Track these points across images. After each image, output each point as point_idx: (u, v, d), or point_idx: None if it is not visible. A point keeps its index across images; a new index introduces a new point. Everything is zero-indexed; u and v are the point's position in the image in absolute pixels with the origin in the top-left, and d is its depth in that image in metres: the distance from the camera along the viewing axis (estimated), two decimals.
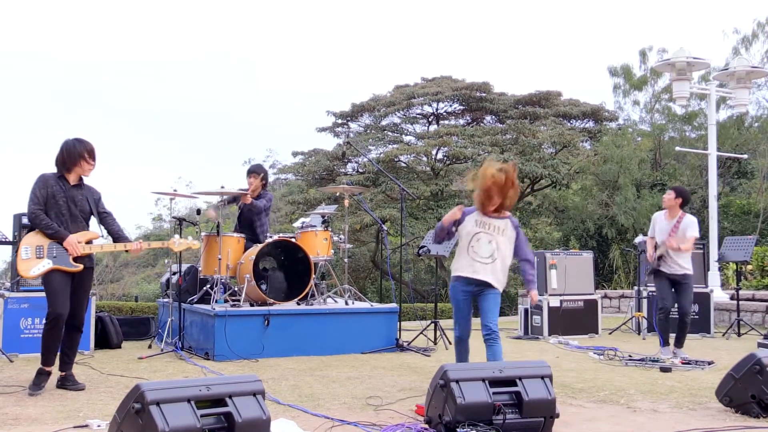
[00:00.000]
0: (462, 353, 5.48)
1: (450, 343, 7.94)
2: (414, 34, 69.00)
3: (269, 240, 7.70)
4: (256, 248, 7.58)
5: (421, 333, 8.30)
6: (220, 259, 7.51)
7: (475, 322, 5.39)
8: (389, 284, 10.37)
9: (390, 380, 5.95)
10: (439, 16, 68.47)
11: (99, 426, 4.23)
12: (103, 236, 5.72)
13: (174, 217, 7.99)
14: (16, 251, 5.54)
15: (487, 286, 5.26)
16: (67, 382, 5.47)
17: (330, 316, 7.65)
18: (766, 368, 4.65)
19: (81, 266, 5.44)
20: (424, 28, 69.85)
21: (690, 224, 7.22)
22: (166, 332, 7.80)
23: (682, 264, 7.24)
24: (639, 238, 9.72)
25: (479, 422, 3.97)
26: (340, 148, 20.71)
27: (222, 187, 7.70)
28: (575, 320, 9.37)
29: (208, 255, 7.79)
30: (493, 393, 4.07)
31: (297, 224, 8.55)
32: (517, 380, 4.16)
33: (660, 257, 7.29)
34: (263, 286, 7.48)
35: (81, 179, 5.58)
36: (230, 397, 3.61)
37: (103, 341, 7.81)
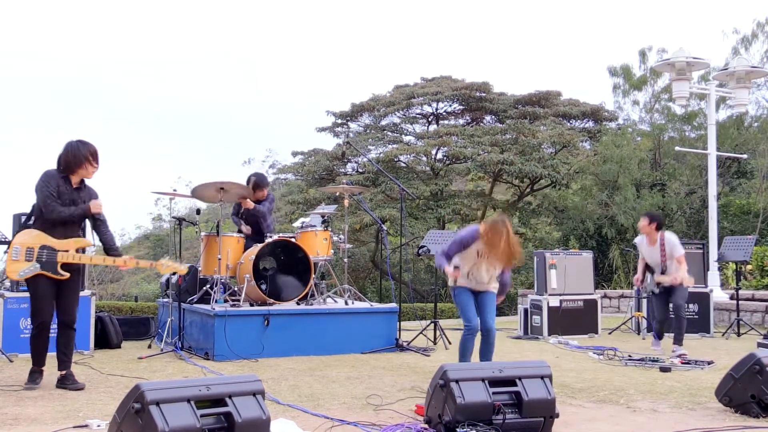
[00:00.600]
0: (468, 348, 5.72)
1: (450, 343, 7.94)
2: (414, 34, 69.03)
3: (269, 240, 7.70)
4: (256, 248, 7.59)
5: (421, 333, 8.30)
6: (219, 259, 7.51)
7: None
8: (389, 284, 10.37)
9: (390, 380, 5.96)
10: (439, 16, 68.49)
11: (99, 426, 4.23)
12: (94, 244, 5.70)
13: (174, 217, 8.00)
14: (6, 251, 5.50)
15: (486, 289, 5.80)
16: (66, 382, 5.47)
17: (330, 316, 7.65)
18: (765, 368, 4.65)
19: (67, 275, 5.43)
20: (424, 28, 69.88)
21: (673, 245, 7.58)
22: (165, 332, 7.80)
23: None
24: (639, 238, 9.72)
25: (479, 422, 3.97)
26: (340, 148, 20.70)
27: (222, 189, 7.68)
28: (575, 320, 9.36)
29: (207, 255, 7.79)
30: (493, 393, 4.07)
31: (297, 224, 8.56)
32: (517, 380, 4.16)
33: (658, 282, 7.63)
34: (263, 286, 7.48)
35: (83, 181, 5.57)
36: (230, 397, 3.61)
37: (103, 341, 7.81)
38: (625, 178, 18.01)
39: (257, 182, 8.34)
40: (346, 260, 8.44)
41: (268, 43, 72.44)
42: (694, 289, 9.47)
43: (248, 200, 8.07)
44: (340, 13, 69.90)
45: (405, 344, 7.86)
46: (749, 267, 12.70)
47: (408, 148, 20.82)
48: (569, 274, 9.43)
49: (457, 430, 3.93)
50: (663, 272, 7.53)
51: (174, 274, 7.84)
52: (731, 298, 10.49)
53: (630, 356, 7.27)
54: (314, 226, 8.16)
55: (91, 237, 5.66)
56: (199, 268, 7.99)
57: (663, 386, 5.76)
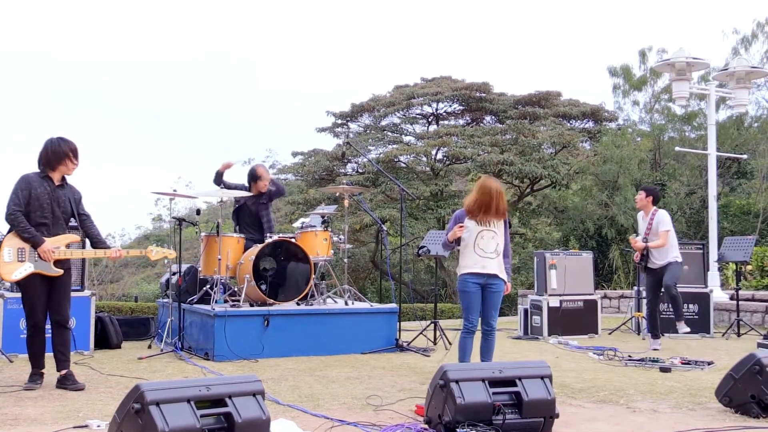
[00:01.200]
0: (467, 348, 5.73)
1: (450, 343, 7.94)
2: (414, 34, 69.03)
3: (269, 240, 7.70)
4: (256, 248, 7.59)
5: (421, 333, 8.30)
6: (219, 260, 7.51)
7: None
8: (389, 284, 10.37)
9: (390, 380, 5.96)
10: (438, 16, 68.50)
11: (99, 426, 4.23)
12: (83, 239, 5.72)
13: (174, 217, 7.99)
14: None
15: (494, 277, 5.69)
16: (67, 382, 5.47)
17: (330, 316, 7.66)
18: (765, 368, 4.65)
19: (61, 271, 5.45)
20: (424, 28, 69.89)
21: (661, 220, 8.01)
22: (165, 332, 7.80)
23: (660, 257, 7.97)
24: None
25: (479, 422, 3.98)
26: (340, 149, 20.70)
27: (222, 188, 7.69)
28: (575, 320, 9.36)
29: (207, 255, 7.79)
30: (493, 393, 4.07)
31: (297, 224, 8.56)
32: (517, 380, 4.16)
33: (642, 256, 8.06)
34: (263, 287, 7.48)
35: (64, 179, 5.56)
36: (230, 397, 3.62)
37: (103, 341, 7.81)
38: (625, 178, 18.02)
39: (262, 172, 8.47)
40: (346, 260, 8.44)
41: (268, 43, 72.48)
42: (694, 290, 9.49)
43: (264, 184, 8.30)
44: (340, 13, 69.92)
45: (405, 344, 7.85)
46: (749, 267, 12.70)
47: (408, 149, 20.82)
48: (569, 275, 9.43)
49: (457, 430, 3.93)
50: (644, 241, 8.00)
51: (174, 274, 7.87)
52: (731, 298, 10.48)
53: (630, 356, 7.28)
54: (314, 226, 8.16)
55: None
56: (199, 269, 7.99)
57: (663, 386, 5.76)
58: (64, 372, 5.51)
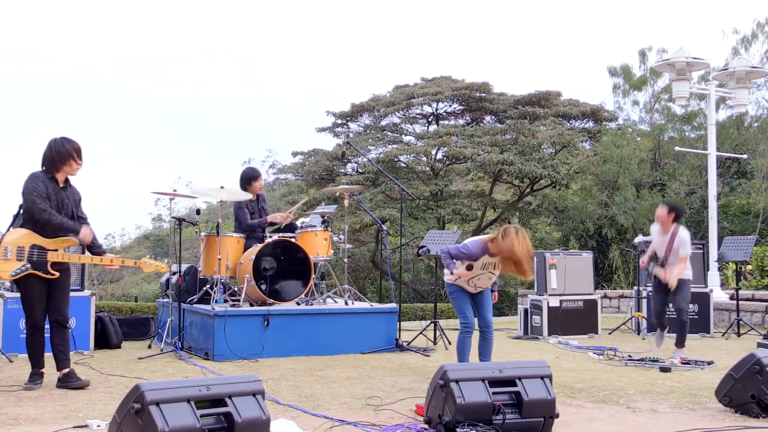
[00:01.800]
0: (466, 347, 5.78)
1: (450, 343, 7.94)
2: (414, 34, 69.04)
3: (269, 240, 7.70)
4: (256, 248, 7.58)
5: (421, 333, 8.30)
6: (219, 260, 7.51)
7: None
8: (389, 284, 10.36)
9: (390, 380, 5.96)
10: (438, 16, 68.50)
11: (98, 426, 4.23)
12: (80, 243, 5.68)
13: (174, 217, 7.99)
14: None
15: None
16: (70, 380, 5.47)
17: (330, 316, 7.65)
18: (765, 368, 4.65)
19: (57, 274, 5.44)
20: (424, 28, 69.88)
21: (683, 242, 7.19)
22: (165, 332, 7.80)
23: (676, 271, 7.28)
24: (639, 239, 9.72)
25: (479, 422, 3.97)
26: (340, 148, 20.69)
27: (222, 187, 7.69)
28: (575, 320, 9.36)
29: (207, 255, 7.79)
30: (493, 393, 4.07)
31: (297, 224, 8.55)
32: (517, 380, 4.16)
33: (655, 275, 7.34)
34: (263, 286, 7.47)
35: (67, 180, 5.56)
36: (230, 397, 3.61)
37: (103, 341, 7.81)
38: (625, 178, 18.02)
39: (258, 173, 8.58)
40: (346, 260, 8.44)
41: (268, 43, 72.52)
42: (694, 289, 9.46)
43: (288, 216, 8.50)
44: (340, 13, 69.96)
45: (405, 344, 7.85)
46: (749, 267, 12.70)
47: (408, 149, 20.82)
48: (569, 275, 9.43)
49: (457, 430, 3.93)
50: (663, 265, 7.37)
51: (174, 274, 7.87)
52: (731, 298, 10.49)
53: (630, 356, 7.27)
54: (314, 226, 8.16)
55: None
56: (199, 268, 7.99)
57: (663, 386, 5.76)
58: (65, 371, 5.50)
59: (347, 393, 5.39)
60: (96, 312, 7.63)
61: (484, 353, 5.83)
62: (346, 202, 8.56)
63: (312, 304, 7.82)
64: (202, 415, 3.49)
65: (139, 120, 61.60)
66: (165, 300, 8.38)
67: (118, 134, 59.21)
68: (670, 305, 7.50)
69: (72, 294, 5.87)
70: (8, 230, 5.47)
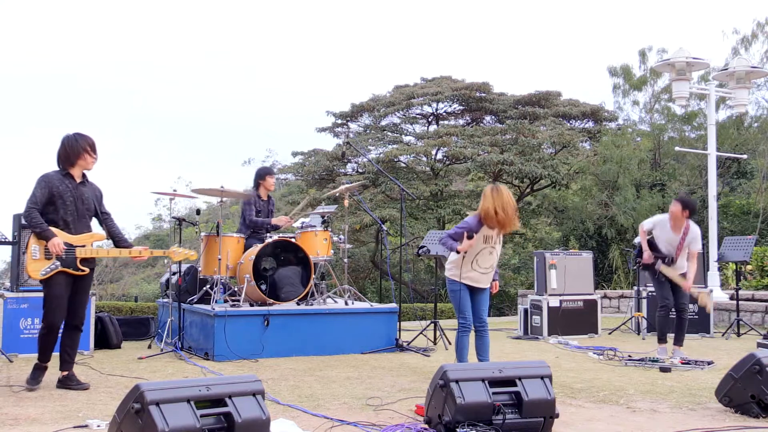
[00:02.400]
0: (465, 346, 5.80)
1: (450, 342, 7.94)
2: (414, 34, 69.05)
3: (269, 240, 7.70)
4: (256, 248, 7.58)
5: (421, 333, 8.30)
6: (219, 260, 7.51)
7: None
8: (389, 284, 10.36)
9: (390, 380, 5.96)
10: (438, 16, 68.52)
11: (98, 426, 4.23)
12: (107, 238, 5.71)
13: (174, 217, 7.99)
14: (24, 251, 5.50)
15: (482, 289, 5.88)
16: (70, 382, 5.46)
17: (330, 316, 7.65)
18: (765, 368, 4.65)
19: (87, 270, 5.43)
20: (423, 28, 69.89)
21: (694, 239, 7.14)
22: (165, 332, 7.80)
23: (682, 265, 7.27)
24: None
25: (479, 422, 3.97)
26: (340, 149, 20.68)
27: (222, 187, 7.69)
28: (575, 320, 9.37)
29: (207, 255, 7.79)
30: (493, 393, 4.07)
31: (297, 224, 8.56)
32: (517, 380, 4.16)
33: (656, 259, 7.28)
34: (263, 287, 7.47)
35: (84, 175, 5.54)
36: (230, 397, 3.61)
37: (103, 341, 7.81)
38: (625, 178, 18.02)
39: (271, 170, 8.89)
40: (346, 260, 8.44)
41: (267, 43, 72.52)
42: (694, 289, 9.47)
43: (291, 220, 8.56)
44: (340, 13, 69.95)
45: (405, 344, 7.85)
46: (749, 267, 12.70)
47: (408, 149, 20.82)
48: (569, 275, 9.43)
49: (457, 430, 3.93)
50: (672, 262, 7.28)
51: (174, 274, 7.87)
52: (731, 298, 10.49)
53: (630, 356, 7.27)
54: (314, 226, 8.16)
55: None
56: (199, 269, 7.99)
57: (663, 386, 5.76)
58: (66, 373, 5.50)
59: (347, 393, 5.39)
60: (96, 312, 7.63)
61: (482, 352, 5.83)
62: (346, 202, 8.56)
63: (312, 304, 7.82)
64: (202, 415, 3.49)
65: (139, 120, 61.64)
66: (165, 300, 8.38)
67: (117, 134, 59.25)
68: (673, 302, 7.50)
69: None
70: (21, 230, 5.47)
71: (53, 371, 5.55)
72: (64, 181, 5.39)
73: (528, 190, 21.26)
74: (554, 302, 9.29)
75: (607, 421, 4.61)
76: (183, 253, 5.96)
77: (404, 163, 21.37)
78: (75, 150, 5.41)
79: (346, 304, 8.00)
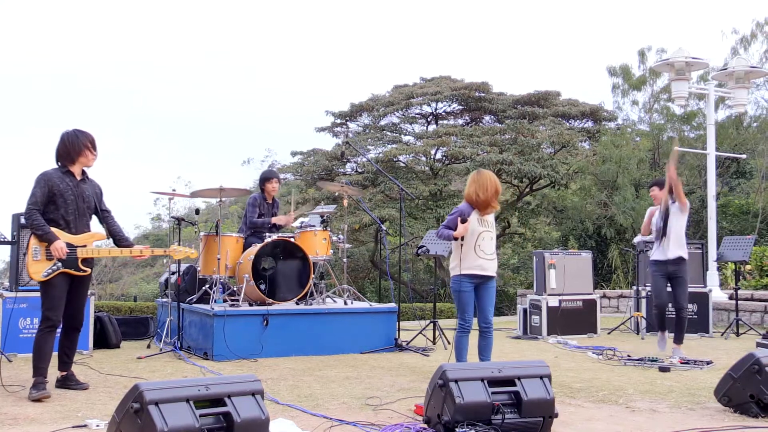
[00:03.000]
0: (464, 346, 5.78)
1: (449, 342, 7.94)
2: (413, 34, 69.08)
3: (268, 240, 7.70)
4: (255, 248, 7.58)
5: (420, 333, 8.30)
6: (218, 259, 7.51)
7: None
8: (388, 284, 10.36)
9: (389, 380, 5.96)
10: (438, 16, 68.53)
11: (98, 426, 4.23)
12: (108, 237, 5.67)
13: (173, 217, 7.99)
14: (25, 252, 5.40)
15: (490, 278, 5.80)
16: (70, 382, 5.45)
17: (329, 316, 7.65)
18: (764, 368, 4.65)
19: (89, 270, 5.38)
20: (423, 28, 69.92)
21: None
22: (164, 332, 7.80)
23: (676, 246, 7.26)
24: (638, 238, 9.71)
25: (478, 422, 3.97)
26: (339, 148, 20.67)
27: (221, 187, 7.69)
28: (574, 320, 9.37)
29: (206, 255, 7.79)
30: (492, 393, 4.07)
31: (296, 224, 8.56)
32: (516, 380, 4.16)
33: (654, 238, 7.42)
34: (262, 286, 7.47)
35: (84, 172, 5.46)
36: (229, 397, 3.61)
37: (102, 341, 7.81)
38: (624, 178, 18.02)
39: (274, 174, 8.85)
40: (345, 260, 8.44)
41: (267, 43, 72.52)
42: (694, 289, 9.48)
43: (290, 219, 8.57)
44: (340, 13, 69.95)
45: (404, 344, 7.86)
46: (748, 267, 12.71)
47: (407, 148, 20.81)
48: (568, 274, 9.43)
49: (456, 430, 3.93)
50: (664, 236, 7.30)
51: (173, 273, 7.87)
52: (730, 298, 10.49)
53: (629, 356, 7.28)
54: (313, 226, 8.17)
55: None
56: (198, 268, 7.99)
57: (662, 386, 5.76)
58: (65, 373, 5.49)
59: (346, 393, 5.39)
60: (95, 312, 7.63)
61: (484, 352, 5.82)
62: (345, 202, 8.56)
63: (311, 304, 7.82)
64: (201, 415, 3.49)
65: (139, 120, 61.63)
66: (164, 300, 8.38)
67: (117, 134, 59.24)
68: (670, 305, 7.52)
69: None
70: (20, 230, 5.43)
71: (53, 370, 5.53)
72: (65, 179, 5.30)
73: (527, 189, 21.26)
74: (553, 302, 9.29)
75: (606, 420, 4.61)
76: (184, 252, 5.95)
77: (403, 162, 21.36)
78: (75, 147, 5.33)
79: (345, 303, 8.00)
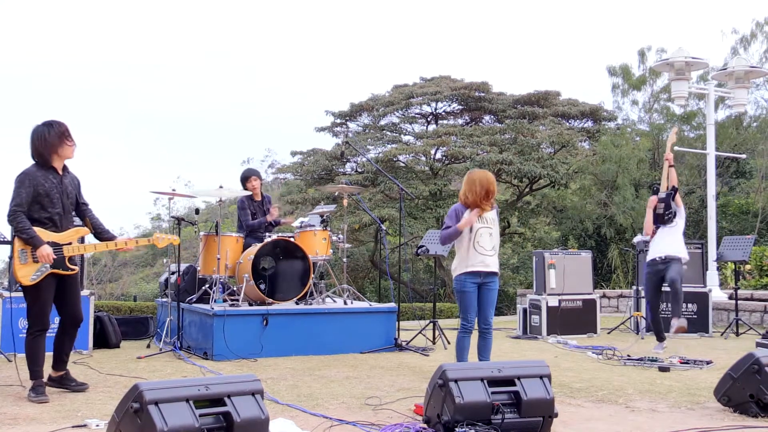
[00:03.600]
0: (465, 347, 5.79)
1: (449, 342, 7.94)
2: (413, 34, 69.07)
3: (268, 239, 7.70)
4: (255, 248, 7.58)
5: (420, 333, 8.30)
6: (218, 259, 7.51)
7: None
8: (388, 284, 10.36)
9: (389, 380, 5.96)
10: (438, 16, 68.54)
11: (97, 426, 4.23)
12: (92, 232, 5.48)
13: (173, 217, 7.99)
14: (11, 256, 5.26)
15: (493, 275, 5.79)
16: (69, 382, 5.41)
17: (329, 315, 7.66)
18: (764, 368, 4.65)
19: (77, 268, 5.29)
20: (423, 28, 69.92)
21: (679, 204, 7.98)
22: (164, 332, 7.80)
23: (670, 243, 7.67)
24: (637, 238, 9.72)
25: (478, 422, 3.97)
26: (339, 148, 20.64)
27: (221, 187, 7.70)
28: (574, 320, 9.37)
29: (206, 254, 7.79)
30: (492, 393, 4.07)
31: (296, 224, 8.56)
32: (516, 380, 4.16)
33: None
34: (262, 286, 7.47)
35: (66, 167, 5.27)
36: (229, 396, 3.61)
37: (102, 341, 7.81)
38: (624, 177, 18.01)
39: (254, 172, 8.85)
40: (345, 260, 8.44)
41: (267, 43, 72.46)
42: (693, 289, 9.49)
43: (273, 213, 8.59)
44: (339, 13, 69.90)
45: (404, 344, 7.85)
46: (748, 267, 12.71)
47: (407, 148, 20.80)
48: (568, 274, 9.43)
49: (456, 429, 3.93)
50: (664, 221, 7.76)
51: (173, 273, 7.87)
52: (730, 297, 10.49)
53: (629, 356, 7.28)
54: (313, 225, 8.17)
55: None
56: (198, 268, 7.99)
57: (662, 386, 5.76)
58: (62, 373, 5.46)
59: (346, 392, 5.39)
60: (95, 311, 7.63)
61: (484, 353, 5.83)
62: (345, 202, 8.56)
63: (311, 304, 7.82)
64: (201, 415, 3.49)
65: (138, 119, 61.56)
66: (164, 299, 8.38)
67: (117, 134, 59.23)
68: (666, 304, 7.60)
69: None
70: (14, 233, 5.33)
71: (49, 370, 5.52)
72: (48, 176, 5.10)
73: (527, 189, 21.25)
74: (553, 302, 9.29)
75: (606, 420, 4.61)
76: (167, 239, 5.86)
77: (403, 162, 21.35)
78: (47, 143, 5.07)
79: (345, 303, 8.00)
